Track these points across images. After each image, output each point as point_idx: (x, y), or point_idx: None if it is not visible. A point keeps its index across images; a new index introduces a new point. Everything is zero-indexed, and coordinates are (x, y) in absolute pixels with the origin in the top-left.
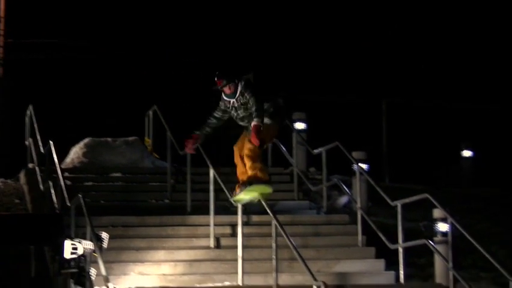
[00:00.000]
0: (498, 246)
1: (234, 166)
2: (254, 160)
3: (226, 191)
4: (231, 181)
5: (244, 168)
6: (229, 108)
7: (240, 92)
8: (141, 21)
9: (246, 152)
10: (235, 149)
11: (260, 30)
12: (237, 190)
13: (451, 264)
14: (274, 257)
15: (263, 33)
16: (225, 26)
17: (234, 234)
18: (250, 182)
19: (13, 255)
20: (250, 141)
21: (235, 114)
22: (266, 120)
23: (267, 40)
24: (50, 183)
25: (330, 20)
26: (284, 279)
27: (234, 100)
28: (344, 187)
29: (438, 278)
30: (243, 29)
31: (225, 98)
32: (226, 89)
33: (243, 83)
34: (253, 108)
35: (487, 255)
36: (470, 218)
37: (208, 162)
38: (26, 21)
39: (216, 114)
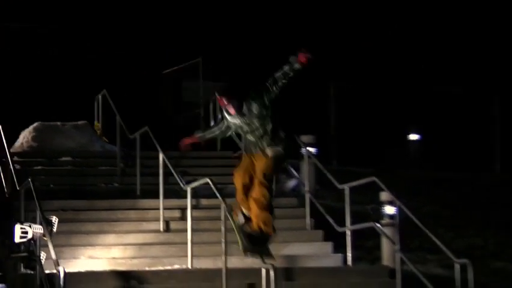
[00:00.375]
0: (445, 228)
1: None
2: (262, 208)
3: (175, 174)
4: (180, 165)
5: (246, 199)
6: (236, 125)
7: (251, 103)
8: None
9: (254, 195)
10: (237, 175)
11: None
12: (236, 215)
13: (398, 247)
14: (223, 240)
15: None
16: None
17: (183, 218)
18: (251, 237)
19: None
20: (261, 185)
21: (247, 128)
22: (278, 149)
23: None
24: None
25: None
26: (233, 262)
27: (242, 118)
28: (292, 170)
29: (386, 260)
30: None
31: (228, 117)
32: (231, 110)
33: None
34: (282, 76)
35: (433, 238)
36: (417, 200)
37: (158, 146)
38: None
39: (220, 125)
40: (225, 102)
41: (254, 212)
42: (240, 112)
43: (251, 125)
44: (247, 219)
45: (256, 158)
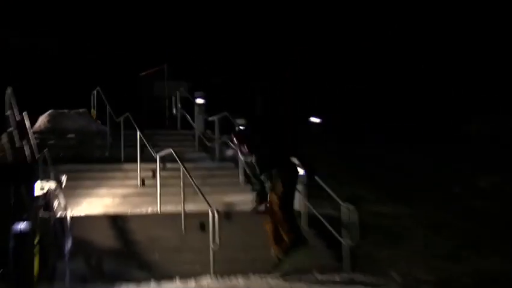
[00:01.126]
0: (338, 184)
1: (154, 128)
2: (287, 230)
3: (148, 146)
4: (152, 139)
5: (276, 243)
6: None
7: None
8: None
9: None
10: (266, 222)
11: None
12: (278, 253)
13: (304, 197)
14: (182, 192)
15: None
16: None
17: (154, 176)
18: (293, 245)
19: None
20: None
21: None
22: (280, 183)
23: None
24: (24, 142)
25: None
26: (189, 207)
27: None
28: (230, 143)
29: (297, 205)
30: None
31: (242, 157)
32: (243, 149)
33: None
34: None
35: (326, 188)
36: (325, 163)
37: (136, 127)
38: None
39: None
40: (238, 144)
41: (285, 230)
42: (251, 152)
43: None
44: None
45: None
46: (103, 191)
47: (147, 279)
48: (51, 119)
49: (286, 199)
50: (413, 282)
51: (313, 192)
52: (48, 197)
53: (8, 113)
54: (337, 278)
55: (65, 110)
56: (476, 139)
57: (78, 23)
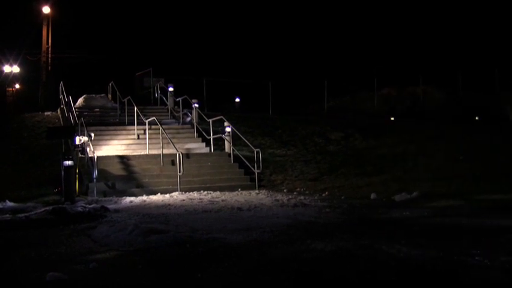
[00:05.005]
0: (251, 137)
1: (144, 105)
2: None
3: (141, 115)
4: (143, 111)
5: None
6: None
7: None
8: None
9: None
10: None
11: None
12: None
13: (231, 144)
14: (161, 142)
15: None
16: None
17: (145, 133)
18: None
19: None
20: None
21: None
22: None
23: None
24: (70, 113)
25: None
26: (165, 151)
27: None
28: (189, 113)
29: (226, 149)
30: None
31: None
32: None
33: None
34: None
35: (244, 139)
36: (244, 125)
37: (134, 104)
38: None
39: None
40: None
41: None
42: None
43: None
44: None
45: None
46: (114, 141)
47: (141, 194)
48: (86, 100)
49: None
50: (295, 192)
51: (237, 142)
52: (83, 145)
53: (61, 96)
54: (251, 191)
55: (93, 95)
56: (329, 112)
57: (103, 44)
